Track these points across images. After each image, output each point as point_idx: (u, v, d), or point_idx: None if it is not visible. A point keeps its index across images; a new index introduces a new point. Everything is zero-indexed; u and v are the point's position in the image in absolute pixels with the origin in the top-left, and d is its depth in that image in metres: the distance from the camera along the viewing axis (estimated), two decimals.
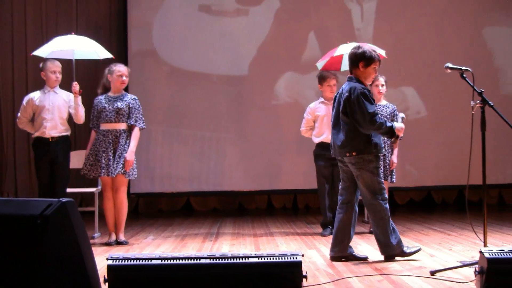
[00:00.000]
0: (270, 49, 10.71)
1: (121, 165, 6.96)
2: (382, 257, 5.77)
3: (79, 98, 7.00)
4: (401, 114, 6.26)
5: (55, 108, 7.11)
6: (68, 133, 7.25)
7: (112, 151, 6.96)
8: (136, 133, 7.13)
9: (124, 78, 7.12)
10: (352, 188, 5.82)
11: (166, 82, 10.65)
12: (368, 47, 5.79)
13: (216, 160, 10.69)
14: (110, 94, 7.15)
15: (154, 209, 11.10)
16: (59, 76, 7.18)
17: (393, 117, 7.65)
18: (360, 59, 5.69)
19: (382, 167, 7.48)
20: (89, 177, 7.12)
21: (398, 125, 5.69)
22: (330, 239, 7.10)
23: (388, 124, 5.57)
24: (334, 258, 5.74)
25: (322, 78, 7.61)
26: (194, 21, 10.67)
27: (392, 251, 5.64)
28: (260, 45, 10.73)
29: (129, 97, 7.18)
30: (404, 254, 5.62)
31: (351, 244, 5.81)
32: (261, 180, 10.73)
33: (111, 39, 10.55)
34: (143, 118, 7.20)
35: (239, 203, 11.29)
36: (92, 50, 7.19)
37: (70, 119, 7.29)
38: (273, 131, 10.70)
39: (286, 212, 10.87)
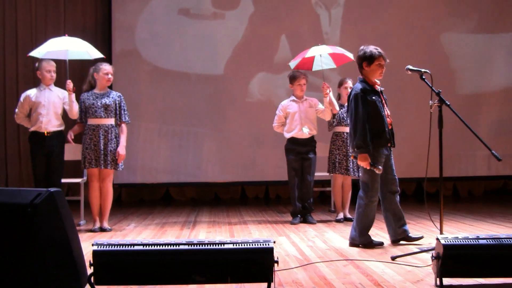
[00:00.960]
0: (244, 50, 10.70)
1: (111, 158, 6.99)
2: (347, 244, 5.86)
3: (73, 95, 6.95)
4: None
5: (50, 104, 7.09)
6: (62, 127, 7.24)
7: (102, 145, 6.96)
8: (124, 128, 7.18)
9: (109, 76, 7.11)
10: None
11: (148, 80, 10.59)
12: (370, 47, 5.75)
13: (193, 154, 10.67)
14: (96, 91, 7.13)
15: (136, 199, 11.06)
16: (54, 75, 7.17)
17: None
18: (362, 60, 5.70)
19: (351, 163, 7.58)
20: (85, 168, 7.19)
21: (365, 161, 5.58)
22: (299, 227, 7.19)
23: (366, 148, 5.54)
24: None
25: (293, 78, 7.65)
26: (174, 24, 10.62)
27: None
28: (235, 47, 10.71)
29: (114, 94, 7.19)
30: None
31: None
32: (235, 172, 10.74)
33: (96, 40, 10.46)
34: (128, 114, 7.22)
35: (215, 194, 11.29)
36: (84, 51, 7.14)
37: (64, 115, 7.26)
38: (247, 127, 10.70)
39: (259, 202, 10.88)
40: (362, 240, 5.71)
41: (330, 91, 7.43)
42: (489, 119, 11.01)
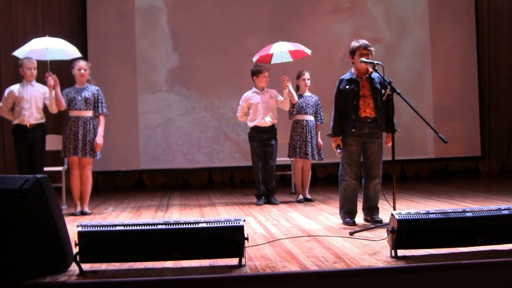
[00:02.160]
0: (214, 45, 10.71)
1: (90, 147, 6.97)
2: (310, 222, 5.92)
3: (53, 92, 6.86)
4: None
5: (32, 99, 7.00)
6: (43, 120, 7.14)
7: (81, 135, 6.94)
8: (102, 120, 7.15)
9: (82, 71, 7.07)
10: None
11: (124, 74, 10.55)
12: (353, 42, 5.72)
13: (164, 142, 10.64)
14: (76, 86, 7.11)
15: (111, 185, 10.98)
16: (34, 72, 7.06)
17: (317, 106, 7.85)
18: (350, 53, 5.71)
19: (310, 148, 7.64)
20: (66, 157, 7.16)
21: (333, 143, 5.74)
22: (264, 207, 7.24)
23: (334, 132, 5.71)
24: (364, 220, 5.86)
25: (258, 72, 7.67)
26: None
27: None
28: (203, 42, 10.71)
29: (93, 88, 7.16)
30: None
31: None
32: (202, 159, 10.75)
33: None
34: (105, 106, 7.19)
35: (184, 179, 11.27)
36: (60, 51, 7.09)
37: (45, 109, 7.17)
38: (212, 117, 10.72)
39: (225, 186, 10.89)
40: (341, 217, 5.83)
41: (289, 83, 7.48)
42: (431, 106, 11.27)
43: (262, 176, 7.71)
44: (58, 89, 6.88)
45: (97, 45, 10.49)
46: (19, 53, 7.04)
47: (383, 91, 5.37)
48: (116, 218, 6.70)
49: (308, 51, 7.63)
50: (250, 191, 9.31)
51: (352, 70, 5.73)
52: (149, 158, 10.61)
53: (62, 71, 8.98)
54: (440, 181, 10.48)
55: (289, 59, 7.76)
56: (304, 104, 7.80)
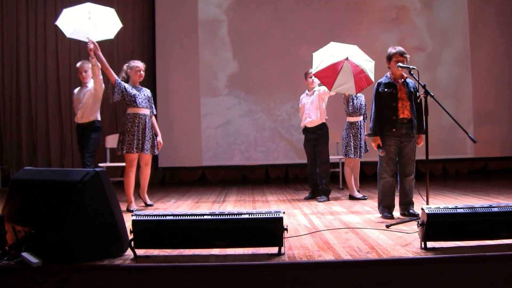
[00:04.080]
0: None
1: (151, 144, 6.74)
2: (351, 216, 5.86)
3: (95, 59, 6.58)
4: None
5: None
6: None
7: (146, 132, 6.66)
8: (155, 119, 6.96)
9: (142, 72, 6.82)
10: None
11: (188, 79, 10.71)
12: (390, 48, 5.67)
13: (224, 141, 10.73)
14: (133, 84, 6.78)
15: (177, 180, 11.14)
16: (85, 75, 7.12)
17: (365, 106, 7.58)
18: (386, 59, 5.65)
19: (361, 147, 7.46)
20: (123, 153, 6.61)
21: (373, 143, 5.66)
22: (311, 202, 7.18)
23: (373, 130, 5.61)
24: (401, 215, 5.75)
25: (306, 74, 7.56)
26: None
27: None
28: (260, 50, 10.75)
29: (146, 89, 6.94)
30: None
31: None
32: (259, 157, 10.78)
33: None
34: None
35: (242, 175, 11.33)
36: (105, 30, 6.67)
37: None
38: (268, 118, 10.74)
39: (279, 181, 10.89)
40: (379, 211, 5.76)
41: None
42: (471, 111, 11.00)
43: (313, 174, 7.64)
44: (100, 53, 6.52)
45: (164, 53, 10.67)
46: (63, 27, 6.61)
47: (417, 94, 5.28)
48: (176, 209, 6.75)
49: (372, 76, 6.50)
50: (302, 187, 9.27)
51: (388, 74, 5.66)
52: (210, 156, 10.72)
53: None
54: (478, 179, 10.18)
55: (352, 90, 6.56)
56: (358, 105, 7.48)
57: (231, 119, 10.79)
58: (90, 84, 7.09)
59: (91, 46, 6.46)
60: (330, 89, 6.56)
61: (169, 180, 11.08)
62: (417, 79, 5.14)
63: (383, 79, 5.66)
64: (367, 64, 6.44)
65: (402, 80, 5.59)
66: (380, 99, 5.60)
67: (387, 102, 5.56)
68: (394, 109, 5.52)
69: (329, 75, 6.41)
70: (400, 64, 5.41)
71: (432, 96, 4.91)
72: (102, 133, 7.34)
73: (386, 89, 5.58)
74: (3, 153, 10.62)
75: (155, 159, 10.09)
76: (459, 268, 3.63)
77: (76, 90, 7.30)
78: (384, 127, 5.58)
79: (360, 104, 7.50)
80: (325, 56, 6.48)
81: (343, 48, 6.56)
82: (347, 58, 6.35)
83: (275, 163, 10.88)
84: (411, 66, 5.25)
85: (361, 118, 7.50)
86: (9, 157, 10.56)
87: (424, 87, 4.99)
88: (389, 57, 5.59)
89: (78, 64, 7.17)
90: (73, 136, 9.99)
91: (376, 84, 5.68)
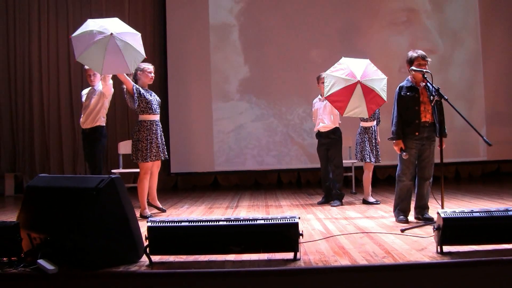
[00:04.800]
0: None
1: (162, 149, 6.58)
2: (366, 220, 5.82)
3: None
4: None
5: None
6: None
7: (160, 139, 6.54)
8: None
9: (152, 74, 6.61)
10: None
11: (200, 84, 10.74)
12: (410, 52, 5.60)
13: (236, 146, 10.73)
14: (144, 88, 6.56)
15: (190, 185, 11.15)
16: (93, 78, 6.93)
17: (378, 111, 7.49)
18: (407, 63, 5.60)
19: (376, 152, 7.39)
20: (141, 162, 6.42)
21: (395, 146, 5.62)
22: (325, 207, 7.15)
23: (395, 134, 5.58)
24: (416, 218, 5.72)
25: (318, 78, 7.50)
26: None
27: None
28: (271, 55, 10.76)
29: (154, 93, 6.72)
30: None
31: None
32: (271, 161, 10.77)
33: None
34: None
35: (255, 180, 11.31)
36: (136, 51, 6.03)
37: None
38: (280, 122, 10.74)
39: (292, 186, 10.86)
40: (395, 215, 5.74)
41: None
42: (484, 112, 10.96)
43: (326, 178, 7.60)
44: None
45: (176, 59, 10.71)
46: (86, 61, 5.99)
47: (431, 97, 5.26)
48: (189, 215, 6.74)
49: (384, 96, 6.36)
50: (314, 191, 9.25)
51: (410, 78, 5.63)
52: (223, 161, 10.72)
53: None
54: (492, 182, 10.10)
55: (364, 113, 6.41)
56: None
57: (243, 123, 10.79)
58: (98, 87, 6.91)
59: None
60: (342, 114, 6.44)
61: (181, 186, 11.09)
62: (431, 83, 5.11)
63: (404, 83, 5.63)
64: (379, 84, 6.31)
65: (424, 84, 5.56)
66: (402, 102, 5.58)
67: (409, 105, 5.54)
68: (417, 112, 5.50)
69: (341, 100, 6.29)
70: (413, 68, 5.40)
71: (446, 99, 4.89)
72: (109, 139, 7.17)
73: (408, 93, 5.55)
74: (16, 160, 10.68)
75: (166, 164, 10.11)
76: (476, 272, 3.61)
77: (84, 92, 7.12)
78: (406, 130, 5.57)
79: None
80: (337, 78, 6.33)
81: (354, 66, 6.42)
82: (359, 81, 6.22)
83: (288, 167, 10.85)
84: (424, 70, 5.23)
85: (374, 123, 7.45)
86: (21, 164, 10.62)
87: (437, 90, 4.97)
88: (411, 61, 5.54)
89: (86, 67, 6.81)
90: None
91: (397, 88, 5.65)
